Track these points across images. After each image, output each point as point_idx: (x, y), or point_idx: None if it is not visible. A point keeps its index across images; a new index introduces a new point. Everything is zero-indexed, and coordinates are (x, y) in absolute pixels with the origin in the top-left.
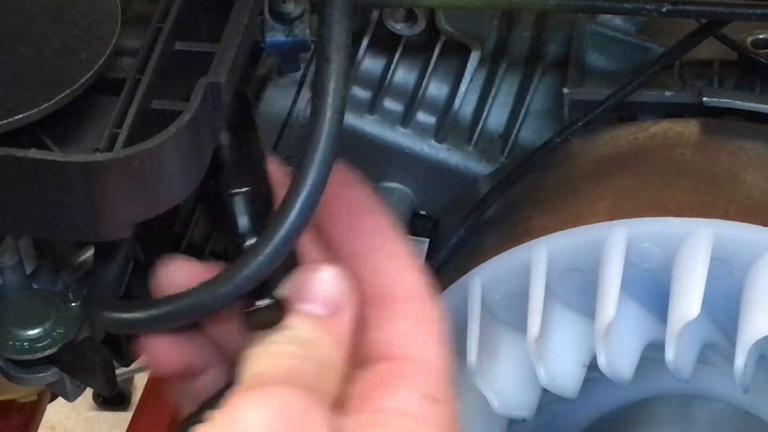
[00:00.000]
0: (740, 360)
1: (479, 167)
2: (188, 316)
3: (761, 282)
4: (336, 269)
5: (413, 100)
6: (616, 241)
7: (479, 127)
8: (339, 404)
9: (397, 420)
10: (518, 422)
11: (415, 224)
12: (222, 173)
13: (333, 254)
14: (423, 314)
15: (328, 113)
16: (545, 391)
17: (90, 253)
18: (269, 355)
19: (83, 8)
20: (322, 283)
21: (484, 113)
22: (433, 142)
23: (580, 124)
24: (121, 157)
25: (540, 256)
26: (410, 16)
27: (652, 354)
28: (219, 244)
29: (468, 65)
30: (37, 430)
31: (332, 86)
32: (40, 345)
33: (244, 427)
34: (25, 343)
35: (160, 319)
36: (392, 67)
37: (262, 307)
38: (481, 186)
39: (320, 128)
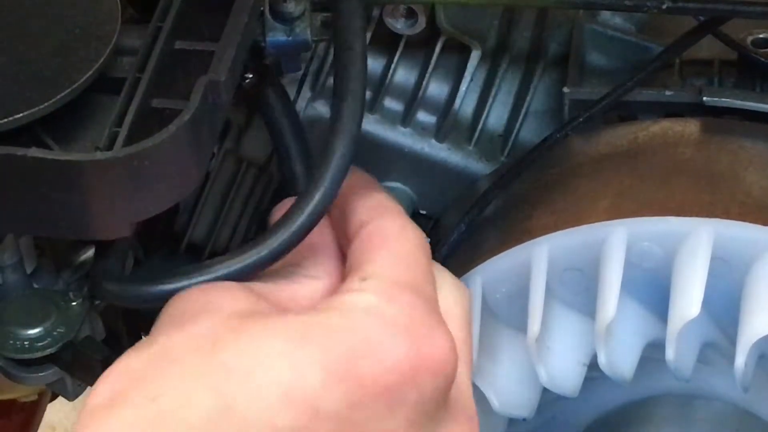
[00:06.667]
0: (740, 359)
1: (479, 167)
2: None
3: (761, 281)
4: None
5: (413, 99)
6: (616, 241)
7: (479, 126)
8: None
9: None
10: (518, 422)
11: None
12: None
13: None
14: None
15: (353, 100)
16: (545, 391)
17: (90, 252)
18: None
19: (83, 8)
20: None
21: (485, 112)
22: (433, 141)
23: (581, 120)
24: (122, 155)
25: (540, 256)
26: (410, 15)
27: (653, 353)
28: (219, 243)
29: (468, 64)
30: (37, 429)
31: (355, 73)
32: (40, 344)
33: None
34: (26, 342)
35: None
36: (392, 66)
37: None
38: (482, 185)
39: (345, 110)
